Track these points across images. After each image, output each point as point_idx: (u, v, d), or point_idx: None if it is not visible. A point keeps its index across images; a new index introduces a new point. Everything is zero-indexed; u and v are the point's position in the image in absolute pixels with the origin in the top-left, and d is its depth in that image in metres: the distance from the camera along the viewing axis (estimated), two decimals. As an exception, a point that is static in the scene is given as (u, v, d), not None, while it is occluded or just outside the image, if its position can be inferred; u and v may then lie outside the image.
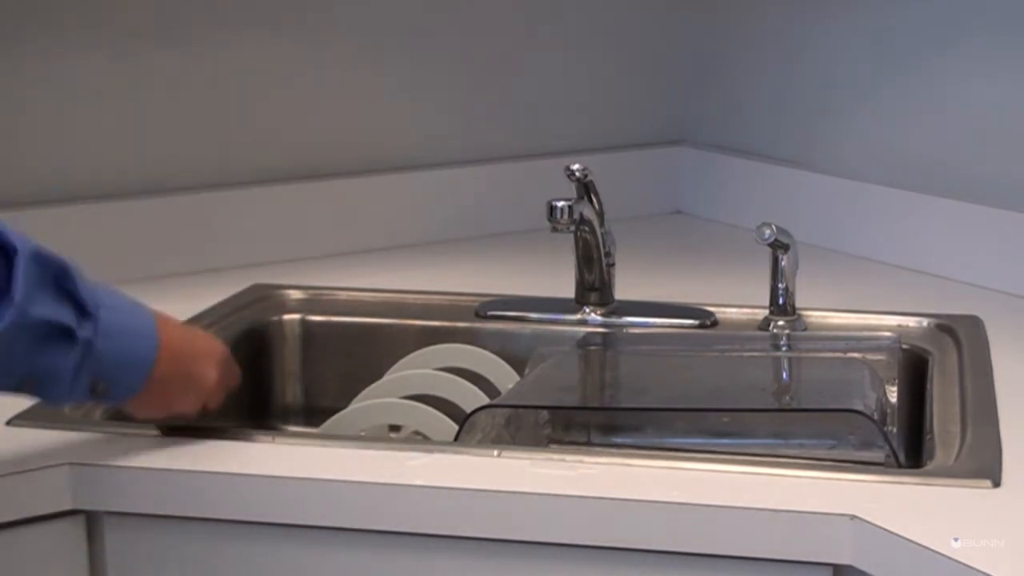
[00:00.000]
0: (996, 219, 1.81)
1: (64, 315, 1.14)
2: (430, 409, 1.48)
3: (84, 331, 1.15)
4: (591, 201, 1.66)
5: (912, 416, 1.50)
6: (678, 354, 1.62)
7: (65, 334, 1.14)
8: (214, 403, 1.32)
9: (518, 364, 1.61)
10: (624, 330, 1.69)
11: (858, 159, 2.03)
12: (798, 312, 1.65)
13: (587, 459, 1.27)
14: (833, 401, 1.47)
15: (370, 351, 1.71)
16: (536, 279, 1.84)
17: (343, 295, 1.79)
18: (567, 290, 1.73)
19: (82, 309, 1.16)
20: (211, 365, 1.29)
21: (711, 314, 1.70)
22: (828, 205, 2.03)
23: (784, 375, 1.61)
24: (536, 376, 1.55)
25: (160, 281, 1.84)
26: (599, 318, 1.70)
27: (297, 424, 1.73)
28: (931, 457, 1.30)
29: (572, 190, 1.66)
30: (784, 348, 1.62)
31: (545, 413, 1.52)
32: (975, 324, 1.64)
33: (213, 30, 1.94)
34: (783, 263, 1.63)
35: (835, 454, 1.41)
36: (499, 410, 1.45)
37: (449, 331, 1.69)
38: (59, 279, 1.14)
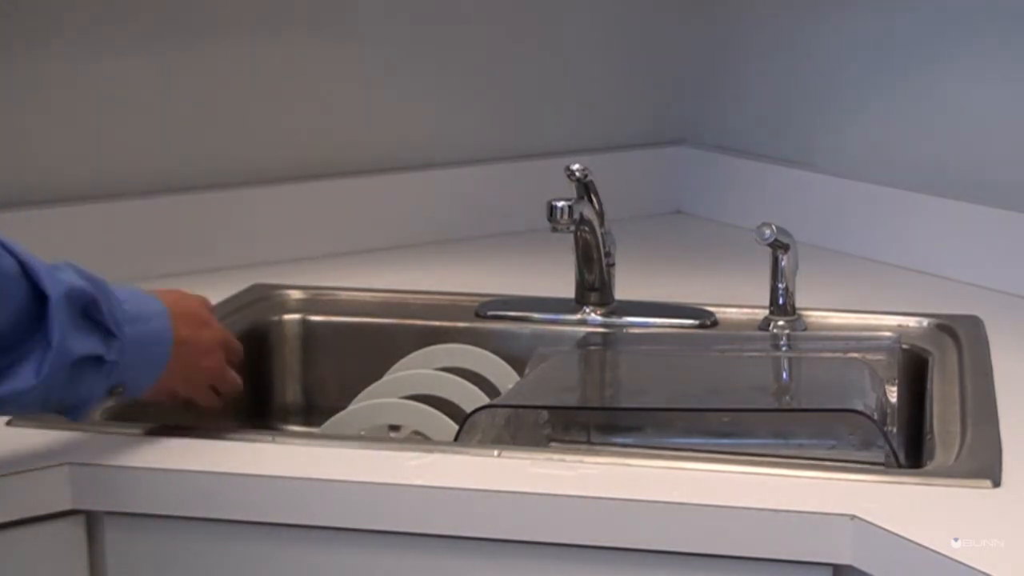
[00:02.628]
0: (996, 219, 1.81)
1: (95, 345, 1.20)
2: (430, 409, 1.48)
3: (112, 354, 1.22)
4: (591, 201, 1.66)
5: (912, 416, 1.50)
6: (678, 354, 1.62)
7: (96, 362, 1.21)
8: (223, 387, 1.40)
9: (518, 364, 1.61)
10: (624, 330, 1.69)
11: (858, 159, 2.03)
12: (798, 312, 1.65)
13: (587, 459, 1.27)
14: (833, 401, 1.47)
15: (370, 351, 1.71)
16: (536, 279, 1.84)
17: (343, 295, 1.79)
18: (567, 290, 1.73)
19: (108, 332, 1.21)
20: (213, 355, 1.37)
21: (711, 314, 1.70)
22: (828, 205, 2.03)
23: (784, 375, 1.61)
24: (536, 376, 1.55)
25: (160, 281, 1.84)
26: (599, 318, 1.70)
27: (297, 424, 1.73)
28: (931, 457, 1.30)
29: (572, 190, 1.66)
30: (784, 348, 1.62)
31: (545, 413, 1.52)
32: (975, 324, 1.64)
33: (214, 30, 1.94)
34: (783, 263, 1.63)
35: (835, 454, 1.41)
36: (499, 410, 1.45)
37: (449, 331, 1.69)
38: (87, 311, 1.19)
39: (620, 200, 1.87)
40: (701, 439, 1.46)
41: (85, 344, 1.19)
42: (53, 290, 1.16)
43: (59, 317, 1.16)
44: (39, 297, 1.16)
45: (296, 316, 1.75)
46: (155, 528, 1.28)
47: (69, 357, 1.17)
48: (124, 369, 1.23)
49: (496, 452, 1.28)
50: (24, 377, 1.15)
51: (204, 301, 1.41)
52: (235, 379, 1.41)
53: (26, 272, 1.16)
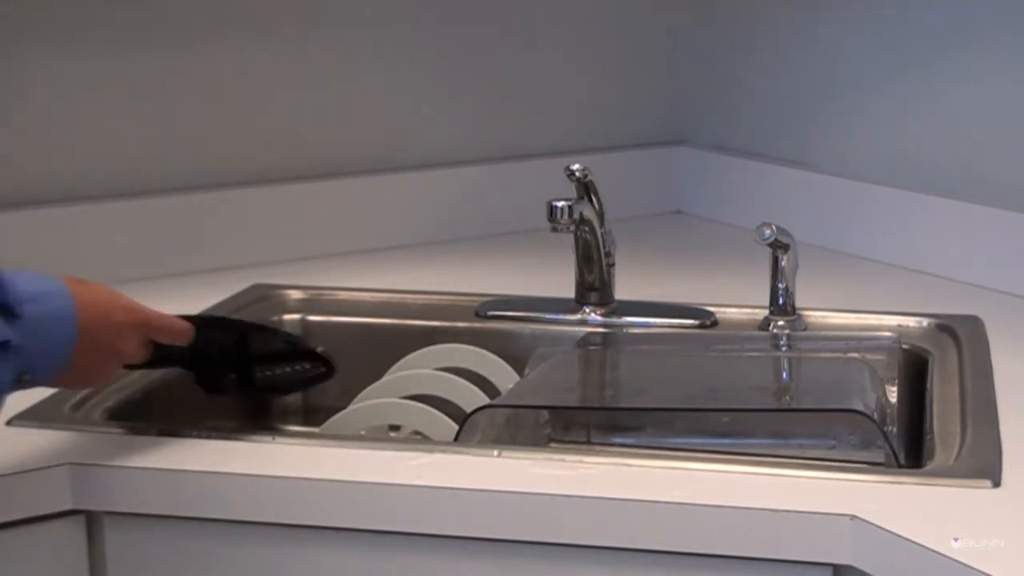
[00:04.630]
0: (996, 219, 1.81)
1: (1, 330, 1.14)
2: (430, 409, 1.48)
3: (16, 338, 1.15)
4: (591, 201, 1.66)
5: (912, 416, 1.50)
6: (678, 354, 1.62)
7: (2, 347, 1.15)
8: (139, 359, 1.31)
9: (518, 364, 1.61)
10: (624, 330, 1.69)
11: (858, 159, 2.03)
12: (798, 312, 1.65)
13: (587, 459, 1.27)
14: (833, 401, 1.47)
15: (370, 351, 1.71)
16: (536, 279, 1.84)
17: (343, 295, 1.79)
18: (567, 290, 1.73)
19: (10, 312, 1.16)
20: (131, 338, 1.28)
21: (711, 314, 1.70)
22: (828, 205, 2.03)
23: (784, 375, 1.61)
24: (536, 376, 1.55)
25: (160, 281, 1.84)
26: (599, 318, 1.70)
27: (297, 424, 1.73)
28: (931, 457, 1.30)
29: (572, 190, 1.66)
30: (784, 348, 1.62)
31: (545, 413, 1.52)
32: (975, 324, 1.64)
33: (213, 30, 1.94)
34: (783, 263, 1.63)
35: (835, 454, 1.41)
36: (499, 410, 1.45)
37: (449, 331, 1.69)
38: None
39: (620, 200, 1.87)
40: (701, 439, 1.46)
41: None
42: None
43: None
44: None
45: (296, 316, 1.75)
46: (155, 528, 1.28)
47: None
48: (29, 353, 1.17)
49: (496, 452, 1.28)
50: None
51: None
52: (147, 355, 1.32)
53: None
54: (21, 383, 1.19)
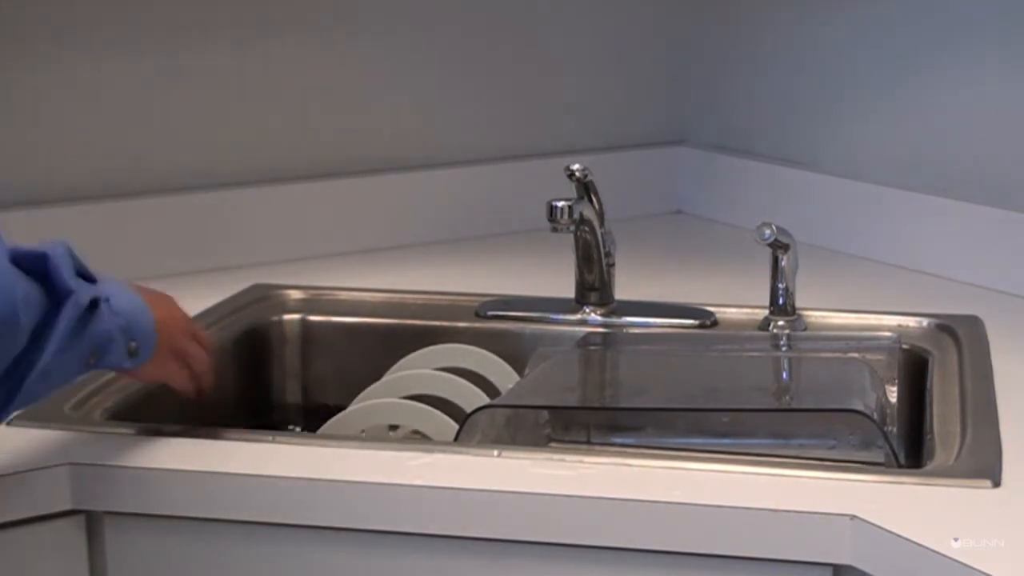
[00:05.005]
0: (996, 219, 1.81)
1: (92, 289, 1.19)
2: (430, 409, 1.48)
3: (104, 297, 1.21)
4: (591, 201, 1.66)
5: (912, 416, 1.50)
6: (678, 354, 1.62)
7: (96, 304, 1.19)
8: (197, 366, 1.38)
9: (518, 364, 1.61)
10: (624, 330, 1.69)
11: (858, 159, 2.03)
12: (798, 312, 1.65)
13: (587, 459, 1.27)
14: (833, 401, 1.47)
15: (370, 351, 1.71)
16: (536, 279, 1.84)
17: (343, 295, 1.79)
18: (567, 290, 1.73)
19: (91, 279, 1.21)
20: (190, 340, 1.36)
21: (711, 314, 1.70)
22: (828, 205, 2.03)
23: (784, 375, 1.61)
24: (536, 376, 1.55)
25: (160, 281, 1.83)
26: (599, 318, 1.70)
27: (297, 424, 1.73)
28: (931, 457, 1.30)
29: (572, 190, 1.66)
30: (784, 348, 1.62)
31: (545, 413, 1.52)
32: (975, 324, 1.64)
33: (214, 30, 1.94)
34: (783, 263, 1.63)
35: (835, 454, 1.41)
36: (499, 410, 1.45)
37: (449, 331, 1.69)
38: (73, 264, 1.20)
39: (620, 200, 1.87)
40: (701, 439, 1.46)
41: (87, 289, 1.18)
42: (49, 249, 1.16)
43: (66, 266, 1.16)
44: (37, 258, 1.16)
45: (296, 316, 1.75)
46: (155, 528, 1.28)
47: (83, 300, 1.17)
48: (124, 317, 1.22)
49: (496, 452, 1.28)
50: (52, 337, 1.13)
51: None
52: (206, 360, 1.39)
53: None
54: (131, 354, 1.24)
